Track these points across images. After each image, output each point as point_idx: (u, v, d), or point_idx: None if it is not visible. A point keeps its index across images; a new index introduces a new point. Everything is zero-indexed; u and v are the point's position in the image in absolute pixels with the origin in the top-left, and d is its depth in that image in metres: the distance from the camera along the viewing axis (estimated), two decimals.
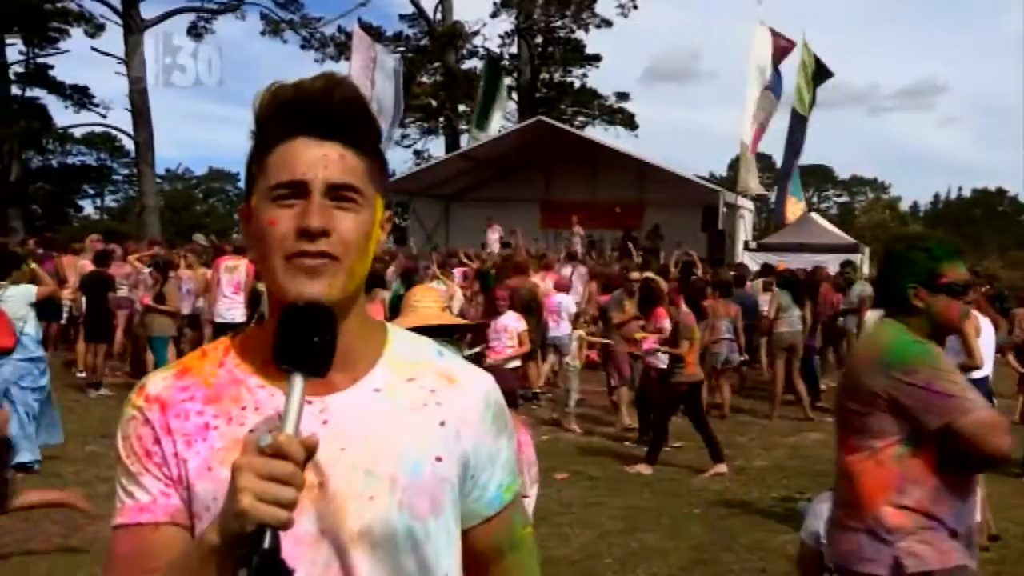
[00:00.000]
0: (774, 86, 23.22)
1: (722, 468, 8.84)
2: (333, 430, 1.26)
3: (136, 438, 1.28)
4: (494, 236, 21.80)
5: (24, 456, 7.55)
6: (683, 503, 7.81)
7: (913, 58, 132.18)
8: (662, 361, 9.62)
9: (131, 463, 1.28)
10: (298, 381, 1.13)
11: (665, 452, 9.47)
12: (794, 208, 24.11)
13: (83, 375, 12.46)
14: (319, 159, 1.25)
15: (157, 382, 1.32)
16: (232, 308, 12.26)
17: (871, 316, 11.52)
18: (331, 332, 1.17)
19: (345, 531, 1.24)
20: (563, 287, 13.12)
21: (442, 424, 1.32)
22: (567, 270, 15.62)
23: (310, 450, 1.08)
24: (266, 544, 1.03)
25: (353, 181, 1.27)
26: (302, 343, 1.14)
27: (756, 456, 9.74)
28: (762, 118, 23.02)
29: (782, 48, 23.10)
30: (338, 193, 1.25)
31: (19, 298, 8.26)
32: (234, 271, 12.39)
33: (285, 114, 1.27)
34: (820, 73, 23.69)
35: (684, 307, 9.59)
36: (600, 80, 57.38)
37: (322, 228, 1.22)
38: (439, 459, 1.30)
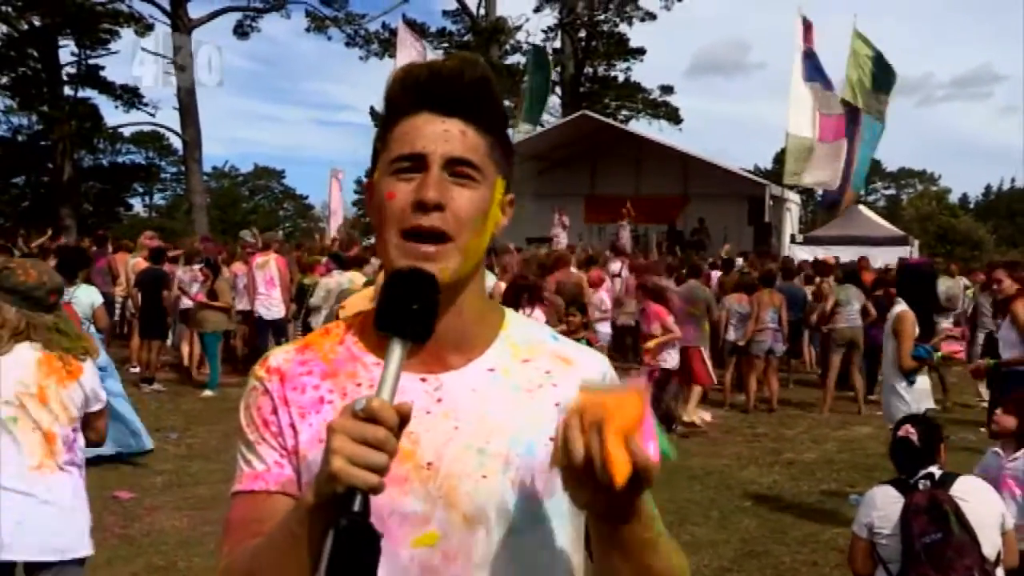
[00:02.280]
0: (814, 76, 22.84)
1: None
2: (446, 408, 1.27)
3: (256, 408, 1.32)
4: (559, 229, 21.41)
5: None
6: (733, 496, 7.79)
7: (970, 46, 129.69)
8: (667, 361, 9.80)
9: (250, 432, 1.31)
10: (396, 347, 1.12)
11: (714, 445, 9.47)
12: (850, 197, 23.66)
13: (136, 370, 12.68)
14: (440, 134, 1.26)
15: (279, 355, 1.35)
16: (269, 304, 12.44)
17: None
18: (432, 299, 1.16)
19: (457, 510, 1.24)
20: (597, 282, 13.14)
21: (557, 405, 1.29)
22: (615, 265, 15.55)
23: (404, 416, 1.08)
24: (355, 507, 1.03)
25: (472, 157, 1.27)
26: (402, 309, 1.14)
27: (805, 449, 9.68)
28: (827, 108, 22.51)
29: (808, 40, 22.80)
30: (456, 169, 1.26)
31: (85, 298, 8.45)
32: (264, 267, 12.57)
33: (412, 90, 1.28)
34: (884, 72, 23.13)
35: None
36: (646, 74, 57.21)
37: (437, 201, 1.23)
38: (553, 439, 1.23)
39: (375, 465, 1.04)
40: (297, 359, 1.34)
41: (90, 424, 3.66)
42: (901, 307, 6.59)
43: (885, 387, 6.95)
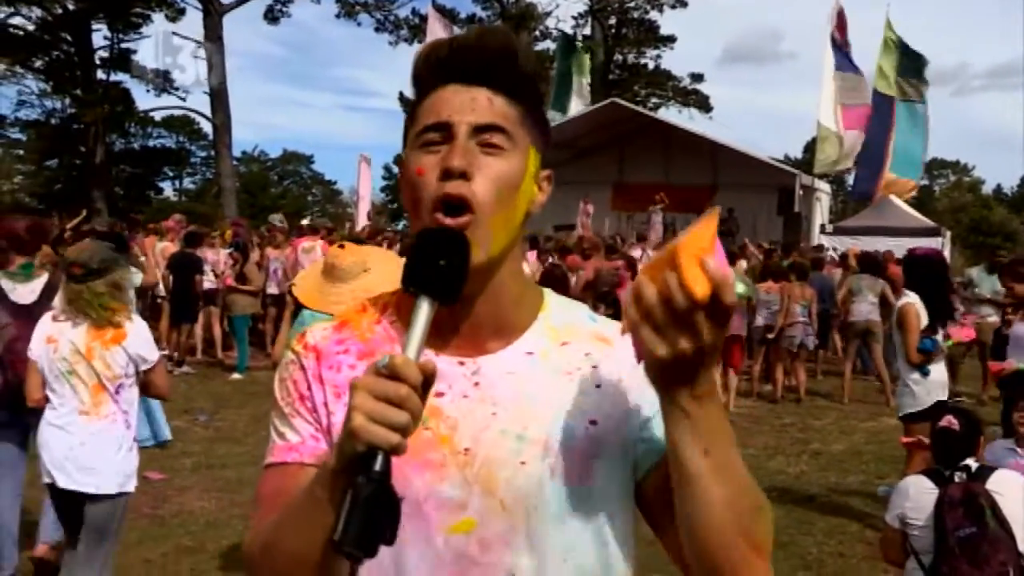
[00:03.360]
0: (843, 65, 22.62)
1: None
2: (484, 393, 1.25)
3: (292, 381, 1.30)
4: (583, 217, 21.24)
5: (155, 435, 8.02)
6: (760, 486, 7.72)
7: (1009, 35, 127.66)
8: None
9: (285, 405, 1.29)
10: (424, 304, 1.09)
11: (741, 435, 9.38)
12: (903, 186, 23.32)
13: (165, 351, 12.78)
14: (466, 102, 1.23)
15: (317, 332, 1.33)
16: None
17: None
18: (462, 257, 1.13)
19: (495, 497, 1.21)
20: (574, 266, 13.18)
21: (598, 387, 1.27)
22: (636, 252, 15.53)
23: (428, 375, 1.04)
24: (376, 467, 1.00)
25: (501, 122, 1.23)
26: (430, 266, 1.11)
27: (833, 440, 9.62)
28: (851, 98, 22.31)
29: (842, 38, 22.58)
30: (484, 137, 1.22)
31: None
32: (311, 252, 12.64)
33: (436, 64, 1.26)
34: (910, 58, 22.93)
35: None
36: (678, 62, 56.85)
37: (463, 168, 1.18)
38: (594, 422, 1.25)
39: (396, 423, 1.00)
40: (334, 337, 1.32)
41: (147, 380, 4.33)
42: (905, 299, 6.59)
43: (900, 379, 6.93)
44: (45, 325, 4.25)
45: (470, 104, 1.23)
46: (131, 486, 4.26)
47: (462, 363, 1.25)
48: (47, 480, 4.20)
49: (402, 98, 41.07)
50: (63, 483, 4.13)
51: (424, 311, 1.09)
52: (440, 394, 1.22)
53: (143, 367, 4.27)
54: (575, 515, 1.24)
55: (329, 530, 1.01)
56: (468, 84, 1.24)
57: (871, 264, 12.84)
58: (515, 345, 1.29)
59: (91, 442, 4.12)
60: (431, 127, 1.23)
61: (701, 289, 1.02)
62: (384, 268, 4.21)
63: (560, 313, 1.35)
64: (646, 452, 1.28)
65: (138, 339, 4.26)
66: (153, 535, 6.10)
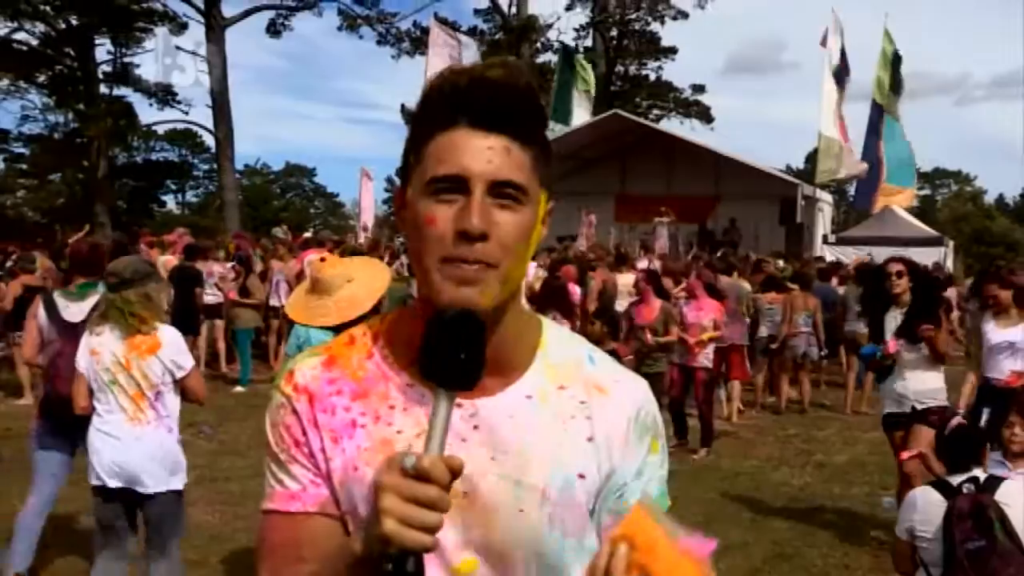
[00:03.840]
0: (841, 75, 22.73)
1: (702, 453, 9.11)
2: (483, 436, 1.22)
3: (284, 427, 1.26)
4: (585, 228, 21.19)
5: None
6: (764, 498, 7.74)
7: (1012, 45, 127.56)
8: (709, 359, 9.51)
9: (280, 451, 1.26)
10: (443, 400, 1.06)
11: (745, 446, 9.40)
12: (897, 194, 23.41)
13: None
14: (483, 152, 1.17)
15: (306, 371, 1.28)
16: None
17: None
18: (479, 346, 1.08)
19: (493, 543, 1.20)
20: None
21: (590, 440, 1.26)
22: (643, 263, 15.53)
23: (456, 472, 1.03)
24: (409, 568, 1.00)
25: (519, 179, 1.18)
26: (449, 358, 1.06)
27: (836, 451, 9.60)
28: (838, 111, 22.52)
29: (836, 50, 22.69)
30: (501, 191, 1.17)
31: None
32: None
33: (451, 99, 1.19)
34: (896, 75, 23.15)
35: (704, 297, 9.51)
36: (681, 73, 56.90)
37: (482, 231, 1.14)
38: (582, 476, 1.24)
39: (429, 525, 1.00)
40: (325, 376, 1.28)
41: (183, 387, 4.60)
42: None
43: None
44: (88, 337, 4.53)
45: (487, 155, 1.17)
46: (178, 483, 4.57)
47: (459, 404, 1.18)
48: (96, 482, 4.48)
49: (404, 110, 41.14)
50: (112, 484, 4.43)
51: (444, 405, 1.07)
52: None
53: (179, 374, 4.53)
54: (569, 567, 1.24)
55: None
56: (484, 129, 1.17)
57: (861, 276, 12.86)
58: (515, 387, 1.26)
59: (136, 446, 4.41)
60: (444, 178, 1.17)
61: None
62: (368, 277, 4.29)
63: (558, 350, 1.32)
64: (613, 510, 1.26)
65: (172, 348, 4.54)
66: None
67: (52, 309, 5.19)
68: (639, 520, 1.05)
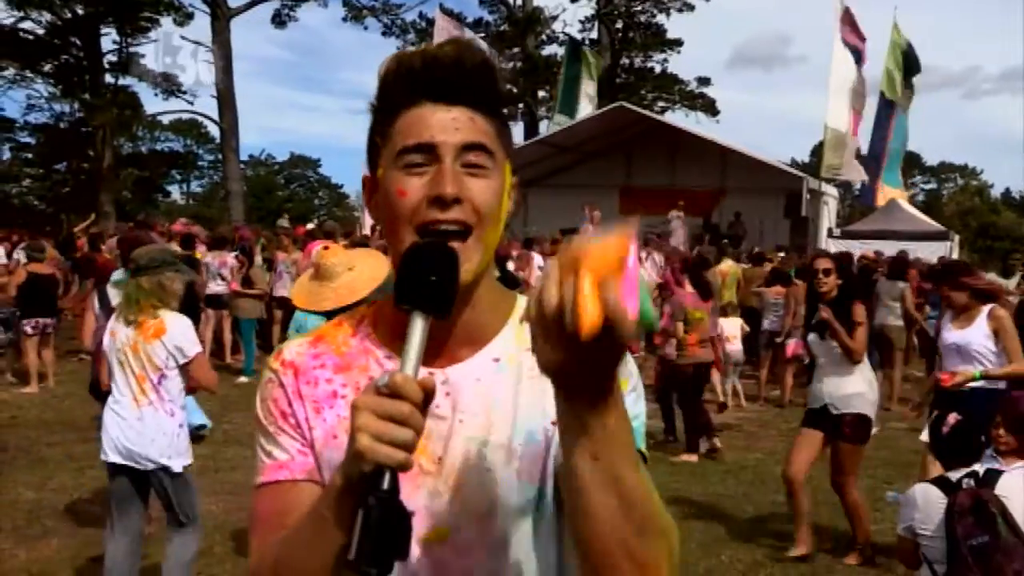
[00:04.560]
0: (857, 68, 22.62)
1: (692, 458, 8.80)
2: (452, 401, 1.26)
3: (272, 400, 1.30)
4: (587, 224, 21.17)
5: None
6: (767, 491, 7.74)
7: (1022, 38, 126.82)
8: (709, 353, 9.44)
9: (268, 424, 1.30)
10: (418, 320, 1.09)
11: (748, 439, 9.39)
12: (890, 194, 23.46)
13: None
14: (449, 122, 1.22)
15: (293, 348, 1.34)
16: None
17: None
18: (452, 271, 1.12)
19: (466, 505, 1.24)
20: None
21: None
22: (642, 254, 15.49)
23: (428, 390, 1.04)
24: (384, 485, 1.01)
25: (485, 141, 1.23)
26: (422, 282, 1.10)
27: None
28: (858, 104, 22.34)
29: (855, 36, 22.49)
30: (469, 158, 1.22)
31: None
32: None
33: (412, 80, 1.23)
34: (910, 64, 23.04)
35: (687, 287, 9.40)
36: (688, 66, 56.73)
37: (455, 195, 1.19)
38: (555, 423, 1.18)
39: (401, 441, 1.01)
40: (310, 352, 1.33)
41: (188, 374, 4.76)
42: None
43: None
44: (113, 320, 4.82)
45: (452, 124, 1.22)
46: (179, 465, 4.73)
47: (431, 373, 1.19)
48: (104, 457, 4.75)
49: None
50: (116, 459, 4.68)
51: (419, 327, 1.09)
52: None
53: (181, 360, 4.68)
54: (542, 516, 1.27)
55: (338, 548, 1.05)
56: (446, 103, 1.23)
57: (893, 268, 12.84)
58: (483, 351, 1.30)
59: (136, 426, 4.63)
60: (413, 148, 1.22)
61: (590, 323, 0.92)
62: (368, 266, 4.51)
63: None
64: None
65: (177, 334, 4.68)
66: (159, 537, 6.08)
67: (104, 297, 5.82)
68: (568, 244, 0.98)
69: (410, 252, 1.14)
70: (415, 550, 1.22)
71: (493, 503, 1.24)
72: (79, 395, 10.76)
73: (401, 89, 1.24)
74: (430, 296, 1.10)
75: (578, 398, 1.02)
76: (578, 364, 0.97)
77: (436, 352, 1.25)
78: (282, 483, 1.26)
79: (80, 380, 11.70)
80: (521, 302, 1.37)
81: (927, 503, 3.68)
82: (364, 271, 4.41)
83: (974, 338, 5.93)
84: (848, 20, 22.47)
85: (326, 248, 4.67)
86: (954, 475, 3.71)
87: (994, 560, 3.40)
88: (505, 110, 1.33)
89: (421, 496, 1.23)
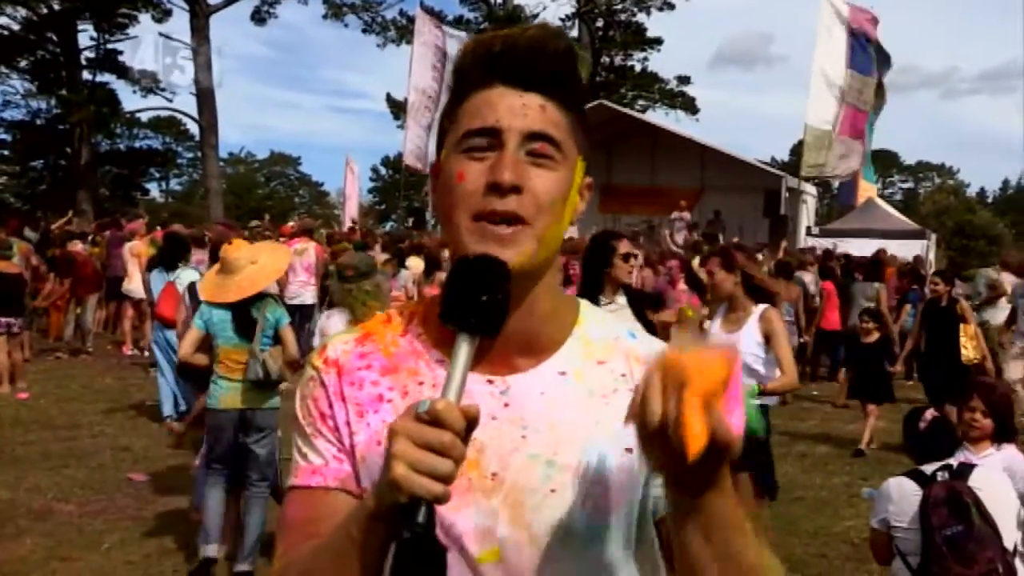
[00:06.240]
0: (860, 64, 22.44)
1: None
2: (514, 414, 1.17)
3: (312, 400, 1.24)
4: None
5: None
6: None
7: (1001, 40, 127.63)
8: None
9: (306, 424, 1.24)
10: (463, 343, 1.03)
11: None
12: (865, 190, 23.64)
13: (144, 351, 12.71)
14: (518, 107, 1.15)
15: (338, 345, 1.27)
16: (303, 290, 12.46)
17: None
18: (503, 289, 1.05)
19: (522, 526, 1.15)
20: None
21: None
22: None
23: (471, 420, 0.98)
24: (420, 519, 0.94)
25: (554, 132, 1.15)
26: (470, 300, 1.04)
27: (818, 442, 9.65)
28: (853, 98, 22.16)
29: (864, 21, 22.32)
30: (535, 147, 1.14)
31: (186, 280, 8.63)
32: (303, 254, 12.58)
33: (487, 61, 1.17)
34: (881, 60, 23.12)
35: (681, 285, 9.39)
36: (670, 65, 56.83)
37: (514, 183, 1.11)
38: (629, 450, 1.16)
39: (440, 473, 0.95)
40: (356, 351, 1.25)
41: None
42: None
43: None
44: (322, 320, 5.34)
45: (521, 109, 1.15)
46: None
47: (491, 381, 1.17)
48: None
49: (390, 99, 41.08)
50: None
51: (464, 350, 1.03)
52: None
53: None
54: (605, 547, 1.18)
55: (367, 571, 1.02)
56: (519, 88, 1.16)
57: (870, 269, 12.93)
58: (547, 363, 1.22)
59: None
60: (477, 132, 1.15)
61: (696, 445, 0.92)
62: (271, 259, 4.79)
63: (597, 328, 1.28)
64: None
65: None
66: (136, 536, 6.07)
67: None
68: (670, 352, 0.98)
69: (458, 266, 1.08)
70: (467, 570, 1.15)
71: (553, 528, 1.15)
72: (54, 394, 10.70)
73: (475, 70, 1.18)
74: (478, 316, 1.04)
75: (685, 491, 1.02)
76: (683, 469, 0.95)
77: (494, 359, 1.19)
78: (314, 489, 1.21)
79: (55, 379, 11.64)
80: (586, 311, 1.30)
81: (902, 495, 3.70)
82: (267, 264, 4.80)
83: (744, 345, 5.28)
84: (866, 16, 22.31)
85: (230, 243, 4.92)
86: (928, 468, 3.72)
87: (968, 549, 3.42)
88: (585, 105, 1.25)
89: (472, 513, 1.14)
